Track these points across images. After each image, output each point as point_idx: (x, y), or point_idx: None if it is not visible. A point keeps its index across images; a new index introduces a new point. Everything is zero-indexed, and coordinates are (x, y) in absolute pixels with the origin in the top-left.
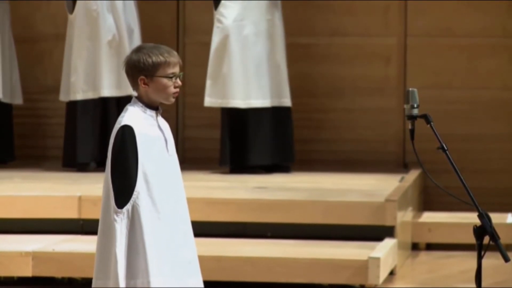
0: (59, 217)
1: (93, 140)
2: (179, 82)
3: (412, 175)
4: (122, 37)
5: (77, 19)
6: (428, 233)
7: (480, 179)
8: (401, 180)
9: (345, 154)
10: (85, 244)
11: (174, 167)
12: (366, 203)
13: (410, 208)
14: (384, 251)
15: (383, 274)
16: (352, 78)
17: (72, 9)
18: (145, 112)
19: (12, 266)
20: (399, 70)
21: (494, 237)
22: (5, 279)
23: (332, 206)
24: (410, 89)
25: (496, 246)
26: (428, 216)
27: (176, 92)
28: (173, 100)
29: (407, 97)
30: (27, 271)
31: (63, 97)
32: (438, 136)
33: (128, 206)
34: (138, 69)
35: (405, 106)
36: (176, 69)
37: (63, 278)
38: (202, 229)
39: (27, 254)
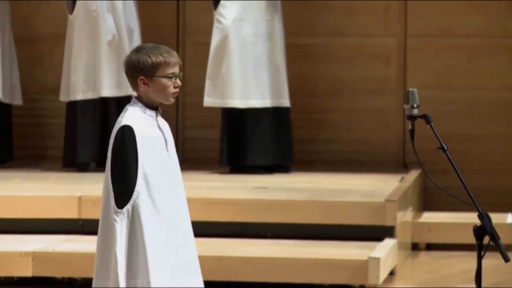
0: (59, 217)
1: (93, 140)
2: (178, 82)
3: (412, 175)
4: (122, 37)
5: (77, 19)
6: (428, 233)
7: (480, 179)
8: (401, 180)
9: (345, 154)
10: (85, 244)
11: (174, 167)
12: (366, 203)
13: (410, 208)
14: (384, 251)
15: (383, 274)
16: (352, 78)
17: (72, 9)
18: (145, 112)
19: (12, 266)
20: (399, 70)
21: (494, 237)
22: (5, 279)
23: (332, 206)
24: (410, 89)
25: (496, 246)
26: (428, 216)
27: (176, 92)
28: (172, 100)
29: (407, 97)
30: (27, 271)
31: (63, 97)
32: (438, 136)
33: (128, 206)
34: (137, 69)
35: (405, 106)
36: (176, 69)
37: (63, 278)
38: (202, 229)
39: (27, 254)
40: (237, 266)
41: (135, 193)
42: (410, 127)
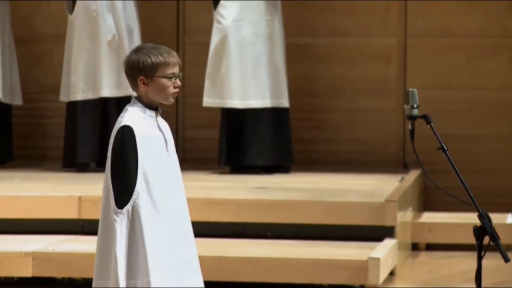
0: (59, 217)
1: (93, 141)
2: (178, 82)
3: (412, 176)
4: (122, 37)
5: (77, 19)
6: (428, 234)
7: (480, 179)
8: (401, 180)
9: (345, 155)
10: (85, 244)
11: (174, 168)
12: (366, 204)
13: (410, 209)
14: (384, 251)
15: (383, 274)
16: (352, 78)
17: (71, 9)
18: (144, 113)
19: (12, 266)
20: (399, 70)
21: (494, 237)
22: (5, 279)
23: (332, 206)
24: (410, 89)
25: (496, 246)
26: (428, 217)
27: (176, 93)
28: (172, 100)
29: (407, 97)
30: (27, 272)
31: (63, 98)
32: (438, 136)
33: (128, 207)
34: (137, 69)
35: (405, 106)
36: (176, 70)
37: (63, 279)
38: (202, 230)
39: (27, 254)
40: (237, 266)
41: (135, 193)
42: (410, 127)
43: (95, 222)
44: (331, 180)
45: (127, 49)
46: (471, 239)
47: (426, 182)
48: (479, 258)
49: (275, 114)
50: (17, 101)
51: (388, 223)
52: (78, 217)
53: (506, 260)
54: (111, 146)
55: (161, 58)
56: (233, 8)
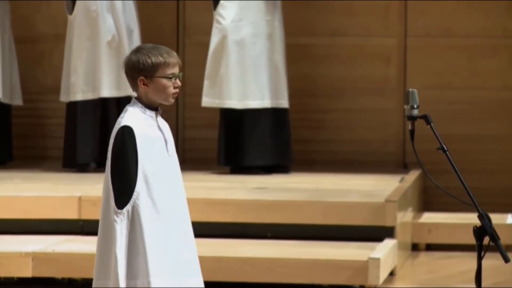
0: (59, 217)
1: (93, 141)
2: (178, 82)
3: (412, 176)
4: (122, 37)
5: (77, 19)
6: (428, 234)
7: (480, 179)
8: (401, 180)
9: (345, 155)
10: (85, 244)
11: (174, 168)
12: (366, 204)
13: (410, 209)
14: (384, 251)
15: (383, 274)
16: (352, 78)
17: (71, 9)
18: (144, 113)
19: (12, 266)
20: (399, 70)
21: (494, 237)
22: (5, 279)
23: (332, 206)
24: (410, 89)
25: (496, 246)
26: (428, 217)
27: (176, 93)
28: (172, 100)
29: (407, 97)
30: (27, 272)
31: (63, 98)
32: (438, 136)
33: (128, 207)
34: (137, 69)
35: (405, 106)
36: (176, 70)
37: (63, 279)
38: (202, 230)
39: (27, 254)
40: (237, 266)
41: (135, 193)
42: (410, 127)
43: (95, 222)
44: (331, 180)
45: (127, 49)
46: (471, 239)
47: (426, 182)
48: (479, 258)
49: (274, 114)
50: (17, 101)
51: (388, 223)
52: (78, 217)
53: (506, 260)
54: (111, 146)
55: (161, 59)
56: (232, 8)
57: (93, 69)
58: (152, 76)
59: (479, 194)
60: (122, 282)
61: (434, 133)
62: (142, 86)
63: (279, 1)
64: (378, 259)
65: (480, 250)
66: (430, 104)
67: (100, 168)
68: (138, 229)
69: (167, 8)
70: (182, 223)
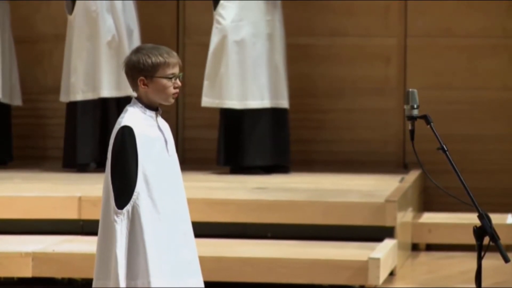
0: (59, 217)
1: (93, 141)
2: (178, 82)
3: (412, 176)
4: (122, 37)
5: (77, 19)
6: (428, 234)
7: (480, 179)
8: (401, 180)
9: (345, 155)
10: (85, 244)
11: (174, 168)
12: (366, 204)
13: (410, 209)
14: (384, 251)
15: (383, 274)
16: (352, 78)
17: (71, 9)
18: (144, 113)
19: (12, 266)
20: (399, 70)
21: (494, 237)
22: (5, 279)
23: (332, 206)
24: (410, 89)
25: (496, 246)
26: (428, 217)
27: (176, 93)
28: (172, 100)
29: (407, 97)
30: (27, 272)
31: (63, 98)
32: (438, 136)
33: (128, 207)
34: (137, 69)
35: (405, 106)
36: (176, 70)
37: (63, 279)
38: (202, 230)
39: (27, 254)
40: (237, 266)
41: (135, 193)
42: (410, 127)
43: (95, 222)
44: (331, 180)
45: (126, 50)
46: (471, 239)
47: (426, 182)
48: (479, 259)
49: (274, 114)
50: (17, 101)
51: (388, 223)
52: (78, 217)
53: (506, 260)
54: (111, 146)
55: (161, 59)
56: (232, 9)
57: (93, 69)
58: (152, 76)
59: (479, 194)
60: (122, 282)
61: (434, 133)
62: (142, 86)
63: (279, 1)
64: (378, 259)
65: (480, 250)
66: (430, 104)
67: (100, 168)
68: (138, 229)
69: (167, 8)
70: (182, 223)
